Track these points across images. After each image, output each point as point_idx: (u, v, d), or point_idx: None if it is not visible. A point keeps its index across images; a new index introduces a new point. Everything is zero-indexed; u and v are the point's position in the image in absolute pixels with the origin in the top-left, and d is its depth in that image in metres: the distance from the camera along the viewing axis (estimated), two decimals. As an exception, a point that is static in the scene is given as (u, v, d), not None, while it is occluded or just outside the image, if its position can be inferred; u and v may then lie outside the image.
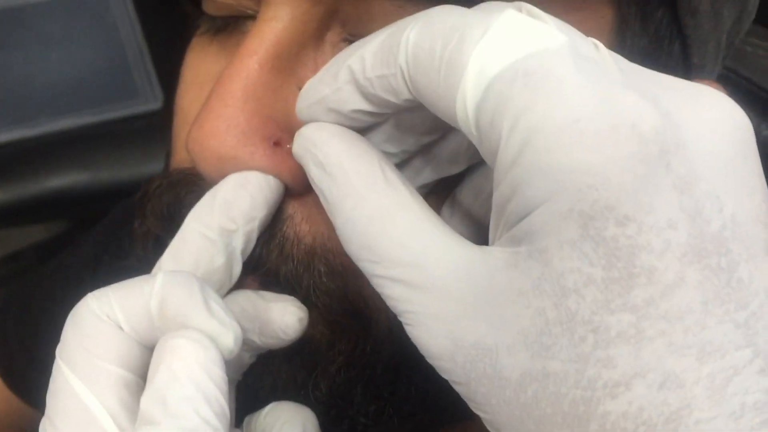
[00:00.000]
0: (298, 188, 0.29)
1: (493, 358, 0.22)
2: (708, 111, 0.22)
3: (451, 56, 0.23)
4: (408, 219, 0.24)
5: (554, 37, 0.22)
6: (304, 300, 0.29)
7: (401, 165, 0.28)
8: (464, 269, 0.23)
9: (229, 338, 0.24)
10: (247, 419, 0.29)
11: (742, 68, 0.48)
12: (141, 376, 0.25)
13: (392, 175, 0.25)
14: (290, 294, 0.29)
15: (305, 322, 0.28)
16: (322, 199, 0.26)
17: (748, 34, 0.49)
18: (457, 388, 0.24)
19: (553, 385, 0.22)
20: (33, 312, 0.59)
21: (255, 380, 0.30)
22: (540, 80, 0.21)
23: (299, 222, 0.29)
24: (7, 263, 1.46)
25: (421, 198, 0.25)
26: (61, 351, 0.25)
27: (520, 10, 0.23)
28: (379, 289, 0.25)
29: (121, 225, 0.56)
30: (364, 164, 0.25)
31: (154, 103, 1.09)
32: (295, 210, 0.29)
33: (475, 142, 0.23)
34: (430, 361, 0.24)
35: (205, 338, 0.24)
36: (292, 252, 0.29)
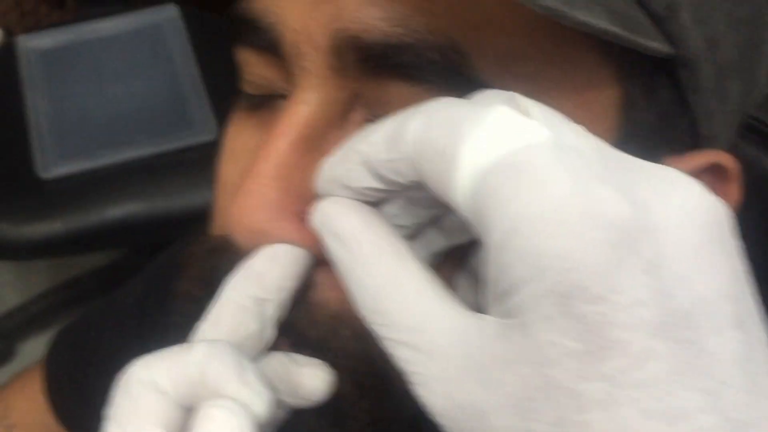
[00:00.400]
0: (325, 258, 0.31)
1: (485, 419, 0.25)
2: (679, 198, 0.25)
3: (445, 149, 0.25)
4: (414, 287, 0.27)
5: (538, 132, 0.25)
6: (332, 361, 0.31)
7: (415, 235, 0.30)
8: (461, 336, 0.25)
9: (262, 406, 0.27)
10: None
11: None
12: None
13: (401, 246, 0.28)
14: (319, 356, 0.31)
15: (332, 385, 0.31)
16: (337, 268, 0.29)
17: None
18: None
19: None
20: (83, 350, 0.63)
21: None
22: (523, 174, 0.24)
23: (326, 290, 0.32)
24: (69, 288, 1.51)
25: (427, 268, 0.28)
26: (112, 413, 0.28)
27: (512, 101, 0.26)
28: (388, 351, 0.27)
29: (164, 275, 0.59)
30: (375, 236, 0.28)
31: (209, 135, 1.11)
32: (322, 279, 0.32)
33: (471, 225, 0.26)
34: (433, 418, 0.26)
35: (238, 406, 0.27)
36: (319, 317, 0.32)
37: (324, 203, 0.30)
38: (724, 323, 0.24)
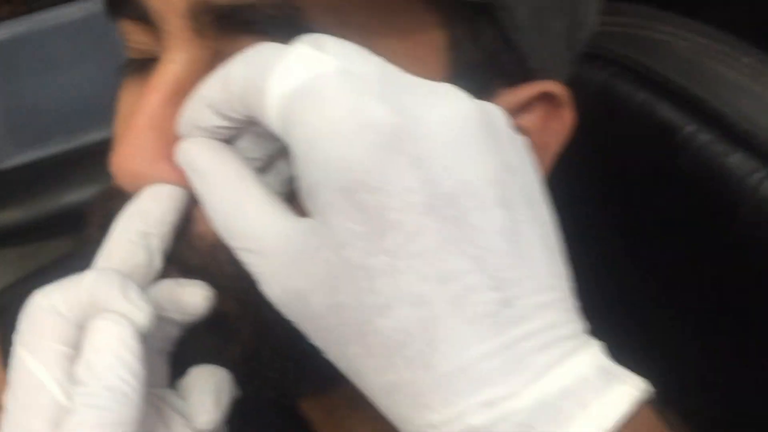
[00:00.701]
0: None
1: (306, 299, 0.30)
2: (443, 104, 0.30)
3: (257, 83, 0.30)
4: (252, 203, 0.32)
5: (327, 63, 0.30)
6: (214, 283, 0.36)
7: (267, 166, 0.35)
8: (286, 236, 0.31)
9: (143, 318, 0.31)
10: (177, 382, 0.36)
11: (640, 55, 0.54)
12: (78, 349, 0.32)
13: (245, 172, 0.33)
14: (203, 279, 0.36)
15: (211, 300, 0.35)
16: (198, 197, 0.34)
17: (653, 19, 0.56)
18: (297, 326, 0.31)
19: (344, 312, 0.29)
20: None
21: (184, 351, 0.37)
22: (312, 97, 0.29)
23: (203, 223, 0.36)
24: (37, 277, 1.54)
25: (264, 186, 0.33)
26: (17, 336, 0.32)
27: (316, 41, 0.31)
28: (240, 259, 0.32)
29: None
30: (224, 166, 0.33)
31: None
32: (199, 214, 0.36)
33: (285, 144, 0.31)
34: (277, 308, 0.32)
35: (120, 317, 0.31)
36: (199, 246, 0.36)
37: (183, 144, 0.35)
38: (488, 203, 0.29)
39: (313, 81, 0.30)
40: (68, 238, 1.50)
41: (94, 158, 1.17)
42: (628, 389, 0.29)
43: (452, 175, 0.29)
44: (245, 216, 0.32)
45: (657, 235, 0.56)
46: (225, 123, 0.33)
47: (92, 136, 1.20)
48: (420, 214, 0.28)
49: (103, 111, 1.22)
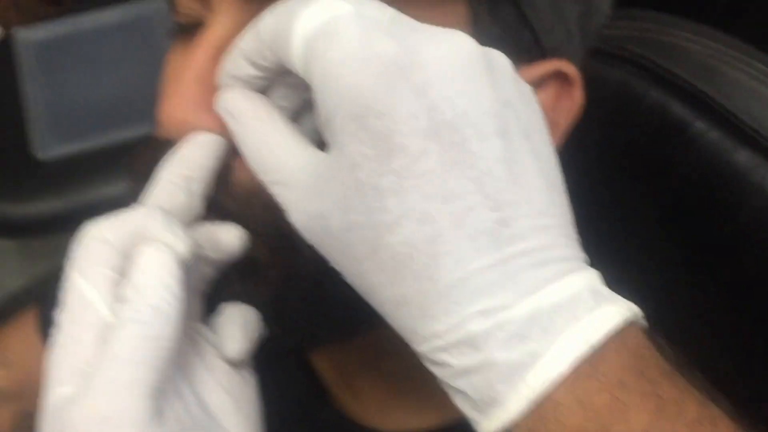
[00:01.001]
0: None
1: (325, 221, 0.33)
2: (444, 43, 0.32)
3: (284, 29, 0.34)
4: (281, 140, 0.35)
5: (344, 8, 0.33)
6: (248, 228, 0.39)
7: (299, 117, 0.38)
8: (308, 166, 0.34)
9: (183, 247, 0.34)
10: (210, 318, 0.39)
11: (655, 56, 0.57)
12: (125, 274, 0.35)
13: (274, 113, 0.36)
14: (237, 223, 0.39)
15: (244, 239, 0.38)
16: (234, 138, 0.37)
17: (670, 25, 0.59)
18: (318, 249, 0.34)
19: (357, 230, 0.32)
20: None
21: (218, 292, 0.40)
22: (329, 35, 0.33)
23: (240, 171, 0.39)
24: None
25: (293, 126, 0.36)
26: (70, 262, 0.35)
27: None
28: (270, 192, 0.35)
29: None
30: (256, 109, 0.36)
31: (194, 115, 1.17)
32: (238, 163, 0.39)
33: (307, 82, 0.34)
34: (302, 235, 0.35)
35: (164, 246, 0.34)
36: (236, 193, 0.39)
37: (221, 92, 0.38)
38: (486, 132, 0.32)
39: (330, 22, 0.33)
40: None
41: (132, 153, 1.22)
42: (619, 309, 0.31)
43: (453, 104, 0.31)
44: (273, 151, 0.35)
45: (666, 223, 0.58)
46: (258, 72, 0.37)
47: (130, 132, 1.23)
48: (423, 138, 0.31)
49: (141, 108, 1.27)
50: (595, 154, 0.54)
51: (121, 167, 1.26)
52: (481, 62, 0.33)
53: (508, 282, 0.31)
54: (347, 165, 0.32)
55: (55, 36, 1.37)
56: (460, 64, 0.32)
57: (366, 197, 0.32)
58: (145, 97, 1.26)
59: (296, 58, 0.34)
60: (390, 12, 0.34)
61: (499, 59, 0.34)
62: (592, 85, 0.46)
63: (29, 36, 1.36)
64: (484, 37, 0.40)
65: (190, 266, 0.36)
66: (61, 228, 1.25)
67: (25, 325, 0.74)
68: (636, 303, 0.33)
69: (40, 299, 0.75)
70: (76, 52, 1.34)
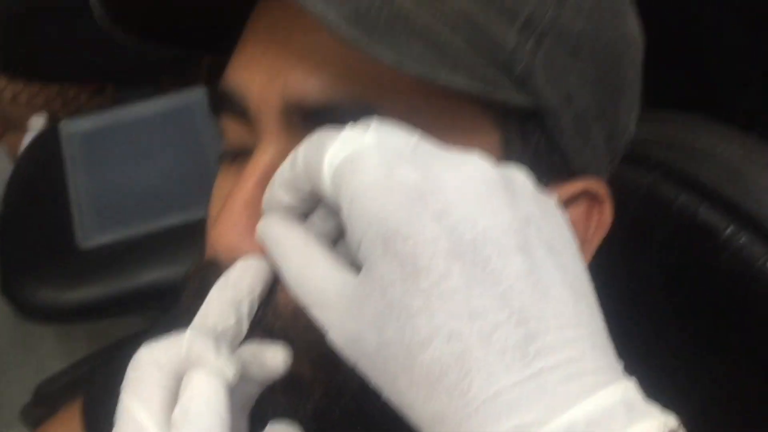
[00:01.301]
0: None
1: (361, 340, 0.34)
2: (461, 168, 0.35)
3: (317, 159, 0.36)
4: (317, 264, 0.37)
5: (367, 140, 0.36)
6: (293, 346, 0.40)
7: (338, 237, 0.40)
8: (343, 288, 0.35)
9: (230, 372, 0.36)
10: None
11: (682, 162, 0.59)
12: (176, 398, 0.36)
13: (310, 239, 0.38)
14: (281, 342, 0.40)
15: (288, 360, 0.40)
16: (275, 263, 0.39)
17: (696, 129, 0.61)
18: (358, 368, 0.35)
19: (391, 349, 0.33)
20: (117, 384, 0.71)
21: (262, 408, 0.41)
22: (354, 165, 0.35)
23: (285, 290, 0.40)
24: (111, 352, 1.60)
25: (327, 249, 0.38)
26: (124, 385, 0.37)
27: (364, 125, 0.37)
28: (310, 315, 0.37)
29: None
30: (293, 235, 0.38)
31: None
32: (282, 282, 0.40)
33: (336, 208, 0.36)
34: (341, 354, 0.36)
35: (214, 372, 0.36)
36: (282, 312, 0.41)
37: (262, 220, 0.40)
38: (508, 249, 0.33)
39: (355, 153, 0.35)
40: (138, 318, 1.57)
41: (169, 241, 1.25)
42: (654, 423, 0.31)
43: (472, 225, 0.33)
44: (310, 277, 0.37)
45: (702, 329, 0.59)
46: (298, 199, 0.39)
47: (170, 221, 1.26)
48: (446, 258, 0.33)
49: (178, 198, 1.29)
50: (625, 259, 0.55)
51: (159, 255, 1.27)
52: (499, 183, 0.35)
53: (540, 397, 0.31)
54: (378, 287, 0.34)
55: (98, 127, 1.42)
56: (477, 186, 0.34)
57: (397, 317, 0.33)
58: (183, 186, 1.31)
59: (327, 186, 0.36)
60: (414, 140, 0.37)
61: (518, 178, 0.36)
62: (619, 189, 0.47)
63: (74, 127, 1.41)
64: (516, 161, 0.42)
65: (237, 387, 0.37)
66: (100, 314, 1.29)
67: (71, 420, 0.76)
68: (676, 411, 0.33)
69: (87, 393, 0.77)
70: (118, 142, 1.39)
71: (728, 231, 0.56)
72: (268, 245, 0.39)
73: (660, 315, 0.61)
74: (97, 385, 0.76)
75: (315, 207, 0.40)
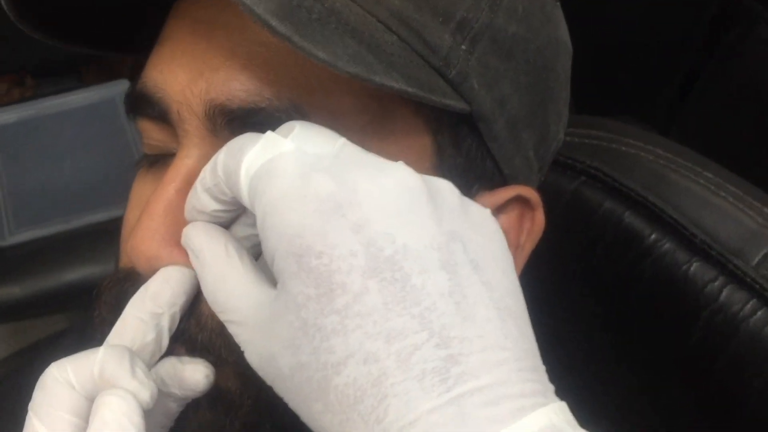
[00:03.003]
0: None
1: (275, 362, 0.33)
2: (383, 178, 0.33)
3: (234, 166, 0.35)
4: (235, 278, 0.36)
5: (286, 146, 0.34)
6: (218, 359, 0.39)
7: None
8: (259, 305, 0.34)
9: (145, 394, 0.34)
10: None
11: (608, 167, 0.59)
12: (87, 421, 0.34)
13: (232, 250, 0.37)
14: (207, 356, 0.39)
15: (212, 377, 0.38)
16: (196, 274, 0.37)
17: (622, 134, 0.61)
18: (274, 389, 0.34)
19: (305, 371, 0.32)
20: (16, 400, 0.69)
21: (185, 425, 0.40)
22: (268, 173, 0.34)
23: None
24: (31, 353, 1.55)
25: (250, 262, 0.36)
26: (31, 405, 0.35)
27: (288, 127, 0.35)
28: (229, 331, 0.35)
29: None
30: (215, 245, 0.37)
31: (158, 200, 1.18)
32: None
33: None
34: (257, 373, 0.34)
35: (128, 394, 0.34)
36: (206, 324, 0.39)
37: (185, 228, 0.39)
38: (430, 266, 0.32)
39: (271, 161, 0.34)
40: (61, 315, 1.53)
41: (91, 239, 1.22)
42: None
43: (392, 240, 0.32)
44: (228, 290, 0.35)
45: (626, 333, 0.59)
46: (220, 206, 0.37)
47: (90, 218, 1.23)
48: (363, 276, 0.31)
49: (102, 194, 1.26)
50: (550, 261, 0.55)
51: (82, 252, 1.24)
52: (423, 194, 0.33)
53: (460, 424, 0.29)
54: (293, 305, 0.32)
55: (17, 120, 1.37)
56: (399, 198, 0.33)
57: (311, 338, 0.31)
58: (107, 181, 1.28)
59: (244, 195, 0.35)
60: (338, 145, 0.35)
61: (445, 189, 0.35)
62: (547, 194, 0.47)
63: (-9, 120, 1.35)
64: (448, 167, 0.41)
65: (155, 404, 0.36)
66: (20, 314, 1.26)
67: None
68: (600, 425, 0.32)
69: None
70: (38, 136, 1.34)
71: (652, 237, 0.56)
72: (189, 254, 0.38)
73: (585, 318, 0.61)
74: (4, 392, 0.74)
75: (241, 212, 0.39)
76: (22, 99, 1.45)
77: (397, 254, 0.32)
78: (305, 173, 0.33)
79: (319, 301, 0.31)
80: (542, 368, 0.33)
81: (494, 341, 0.31)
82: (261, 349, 0.34)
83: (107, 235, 1.20)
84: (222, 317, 0.36)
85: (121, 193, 1.26)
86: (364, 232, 0.32)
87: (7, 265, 1.22)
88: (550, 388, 0.33)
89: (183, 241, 0.38)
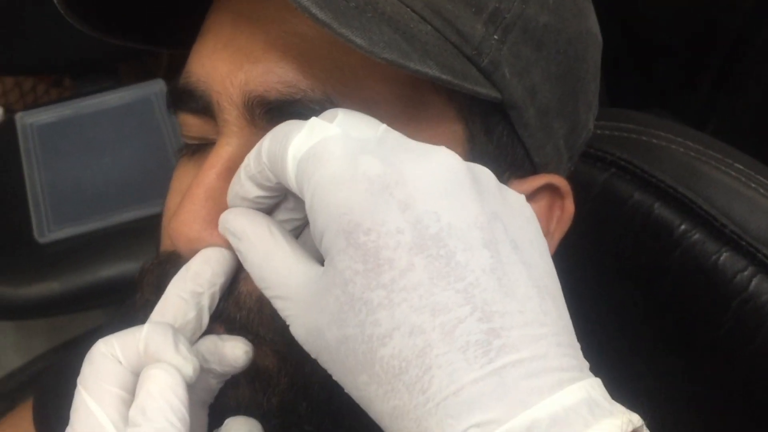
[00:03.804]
0: None
1: (322, 335, 0.34)
2: (427, 160, 0.34)
3: (281, 152, 0.36)
4: (281, 256, 0.37)
5: (331, 131, 0.35)
6: (256, 337, 0.40)
7: (304, 229, 0.40)
8: (306, 281, 0.35)
9: (189, 368, 0.36)
10: (214, 430, 0.40)
11: (638, 159, 0.60)
12: (133, 394, 0.36)
13: (275, 230, 0.38)
14: (245, 334, 0.40)
15: (251, 354, 0.40)
16: (239, 256, 0.39)
17: (652, 126, 0.62)
18: (319, 362, 0.35)
19: (351, 343, 0.33)
20: (69, 384, 0.71)
21: (225, 401, 0.41)
22: (317, 156, 0.35)
23: (249, 281, 0.40)
24: (69, 348, 1.58)
25: (292, 241, 0.38)
26: (80, 379, 0.36)
27: (329, 115, 0.36)
28: (274, 306, 0.37)
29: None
30: (257, 227, 0.38)
31: (193, 197, 1.19)
32: (246, 274, 0.40)
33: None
34: (302, 347, 0.36)
35: (172, 368, 0.35)
36: (245, 303, 0.41)
37: (224, 213, 0.40)
38: (473, 244, 0.33)
39: (318, 145, 0.35)
40: (97, 312, 1.55)
41: (127, 236, 1.24)
42: (617, 422, 0.31)
43: (437, 218, 0.33)
44: (274, 268, 0.37)
45: (656, 324, 0.60)
46: (263, 192, 0.39)
47: (128, 215, 1.25)
48: (410, 252, 0.32)
49: (138, 192, 1.28)
50: (582, 252, 0.56)
51: (117, 249, 1.26)
52: (466, 177, 0.34)
53: (502, 394, 0.31)
54: (340, 280, 0.33)
55: (55, 119, 1.40)
56: (444, 179, 0.34)
57: (358, 311, 0.33)
58: (143, 179, 1.30)
59: (291, 179, 0.36)
60: (380, 130, 0.36)
61: (484, 174, 0.36)
62: (578, 185, 0.48)
63: (31, 119, 1.39)
64: (480, 154, 0.42)
65: (196, 381, 0.37)
66: (59, 309, 1.28)
67: (23, 419, 0.75)
68: (636, 409, 0.33)
69: (38, 392, 0.76)
70: (76, 135, 1.37)
71: (681, 228, 0.57)
72: (231, 236, 0.39)
73: (618, 307, 0.62)
74: (48, 384, 0.76)
75: (283, 198, 0.40)
76: (61, 99, 1.47)
77: (442, 232, 0.33)
78: (353, 156, 0.34)
79: (366, 276, 0.33)
80: (578, 345, 0.34)
81: (534, 317, 0.32)
82: (308, 323, 0.35)
83: (143, 232, 1.24)
84: (268, 293, 0.37)
85: (156, 192, 1.29)
86: (411, 211, 0.33)
87: (46, 262, 1.24)
88: (586, 364, 0.34)
89: (220, 226, 0.40)
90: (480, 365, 0.31)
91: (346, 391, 0.35)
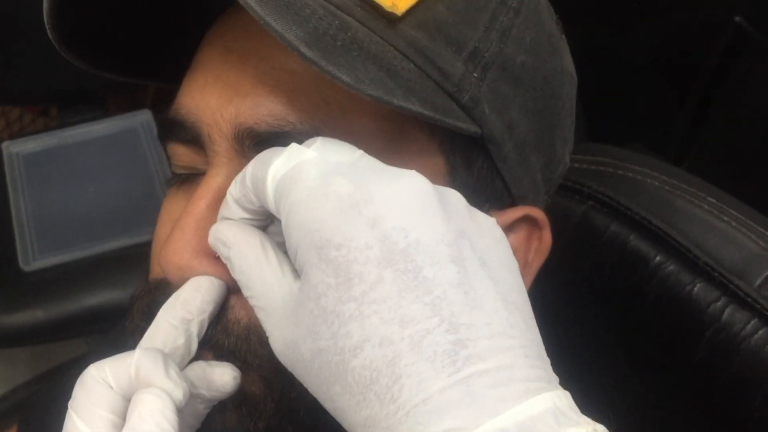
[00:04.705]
0: (235, 286, 0.41)
1: (297, 348, 0.35)
2: (396, 181, 0.36)
3: (262, 176, 0.38)
4: (267, 267, 0.38)
5: (307, 154, 0.37)
6: (244, 363, 0.41)
7: None
8: (286, 294, 0.37)
9: (179, 393, 0.37)
10: None
11: (614, 192, 0.62)
12: (124, 418, 0.37)
13: (266, 242, 0.39)
14: (233, 361, 0.42)
15: (239, 379, 0.41)
16: (227, 264, 0.40)
17: (628, 161, 0.64)
18: (294, 375, 0.36)
19: (325, 355, 0.34)
20: (53, 411, 0.71)
21: (212, 426, 0.42)
22: (293, 178, 0.37)
23: (238, 309, 0.42)
24: (53, 376, 1.58)
25: (282, 255, 0.39)
26: (71, 403, 0.37)
27: (308, 142, 0.38)
28: (257, 317, 0.38)
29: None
30: (247, 237, 0.40)
31: (178, 227, 1.19)
32: (234, 301, 0.42)
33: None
34: (279, 359, 0.37)
35: (163, 393, 0.36)
36: (234, 330, 0.42)
37: (215, 225, 0.41)
38: (440, 259, 0.34)
39: (295, 167, 0.37)
40: (81, 341, 1.55)
41: (113, 265, 1.24)
42: (582, 431, 0.31)
43: (405, 234, 0.34)
44: (261, 277, 0.38)
45: (631, 353, 0.62)
46: (248, 215, 0.40)
47: (113, 244, 1.25)
48: (378, 266, 0.34)
49: (123, 221, 1.28)
50: (559, 281, 0.57)
51: (103, 278, 1.26)
52: (434, 197, 0.36)
53: (470, 402, 0.31)
54: (314, 294, 0.34)
55: (42, 148, 1.41)
56: (412, 199, 0.35)
57: (331, 324, 0.34)
58: (128, 209, 1.30)
59: (270, 199, 0.38)
60: (356, 155, 0.38)
61: (453, 196, 0.37)
62: (557, 217, 0.49)
63: (17, 148, 1.39)
64: (460, 186, 0.43)
65: (185, 406, 0.38)
66: (43, 337, 1.27)
67: None
68: (603, 423, 0.33)
69: (23, 421, 0.76)
70: (62, 164, 1.38)
71: (657, 259, 0.59)
72: (221, 245, 0.40)
73: (593, 335, 0.63)
74: (33, 412, 0.76)
75: (270, 222, 0.41)
76: (47, 128, 1.48)
77: (410, 247, 0.34)
78: (326, 176, 0.36)
79: (338, 290, 0.34)
80: (547, 360, 0.35)
81: (501, 330, 0.34)
82: (285, 336, 0.36)
83: (127, 261, 1.24)
84: (253, 302, 0.38)
85: (142, 221, 1.28)
86: (379, 228, 0.34)
87: (31, 290, 1.24)
88: (555, 378, 0.35)
89: (211, 237, 0.41)
90: (447, 374, 0.32)
91: (320, 403, 0.36)
